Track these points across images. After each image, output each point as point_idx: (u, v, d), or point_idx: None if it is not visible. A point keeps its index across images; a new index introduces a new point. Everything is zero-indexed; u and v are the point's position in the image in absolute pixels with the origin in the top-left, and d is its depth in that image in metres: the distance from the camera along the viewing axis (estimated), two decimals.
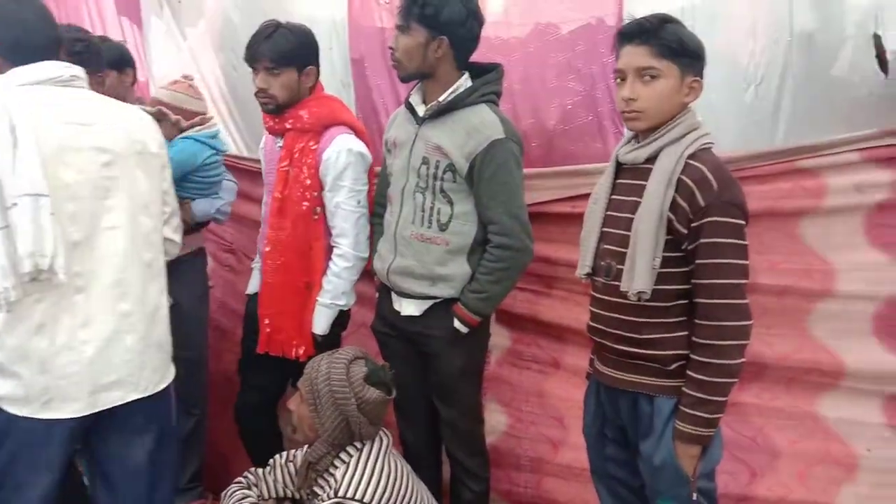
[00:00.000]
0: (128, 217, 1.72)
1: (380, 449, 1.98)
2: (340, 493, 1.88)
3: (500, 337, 2.42)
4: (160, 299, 1.82)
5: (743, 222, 1.59)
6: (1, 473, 1.64)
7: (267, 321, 2.28)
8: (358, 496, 1.87)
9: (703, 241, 1.57)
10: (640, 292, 1.60)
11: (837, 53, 1.95)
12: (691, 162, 1.59)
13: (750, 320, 1.59)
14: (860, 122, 1.90)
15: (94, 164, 1.67)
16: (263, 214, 2.39)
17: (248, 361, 2.42)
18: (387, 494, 1.90)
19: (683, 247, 1.60)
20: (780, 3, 1.99)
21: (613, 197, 1.73)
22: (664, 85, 1.61)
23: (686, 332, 1.62)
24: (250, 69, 2.23)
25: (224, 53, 2.98)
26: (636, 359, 1.67)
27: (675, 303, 1.63)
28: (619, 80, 1.66)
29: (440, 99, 2.02)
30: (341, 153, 2.18)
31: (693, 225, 1.57)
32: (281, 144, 2.27)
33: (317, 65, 2.26)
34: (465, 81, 2.04)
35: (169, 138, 2.40)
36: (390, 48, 2.07)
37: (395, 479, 1.94)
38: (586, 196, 1.84)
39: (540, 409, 2.41)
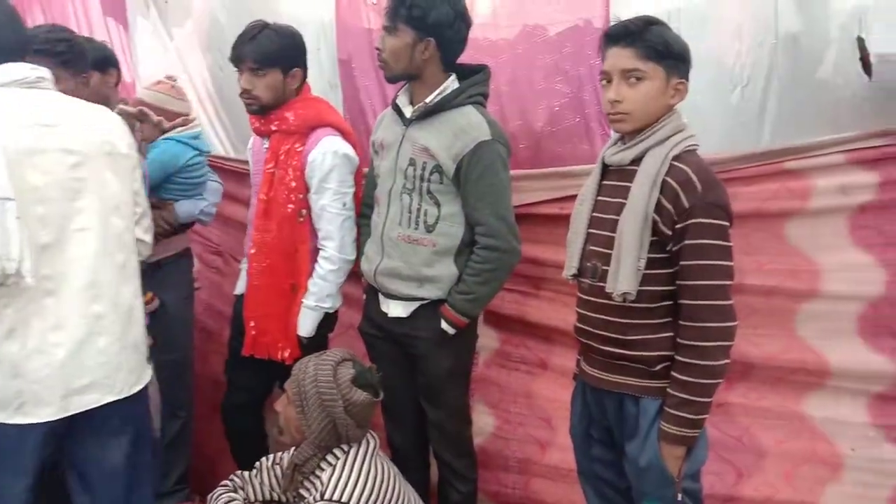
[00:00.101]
0: (99, 218, 1.70)
1: (367, 451, 1.97)
2: (327, 496, 1.87)
3: (487, 338, 2.42)
4: (135, 301, 1.81)
5: (727, 224, 1.59)
6: None
7: (252, 323, 2.27)
8: (344, 499, 1.86)
9: (687, 242, 1.57)
10: (624, 293, 1.60)
11: (822, 56, 1.96)
12: (676, 164, 1.60)
13: (734, 321, 1.59)
14: (845, 124, 1.92)
15: (61, 165, 1.65)
16: (249, 216, 2.38)
17: (235, 362, 2.42)
18: (373, 497, 1.90)
19: (668, 248, 1.60)
20: (765, 6, 2.00)
21: (599, 198, 1.73)
22: (649, 87, 1.61)
23: (671, 334, 1.63)
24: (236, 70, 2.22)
25: (211, 54, 2.97)
26: (621, 360, 1.67)
27: (659, 304, 1.63)
28: (604, 82, 1.67)
29: (427, 100, 2.02)
30: (326, 155, 2.16)
31: (677, 226, 1.57)
32: (268, 146, 2.26)
33: (303, 67, 2.25)
34: (451, 83, 2.04)
35: (151, 139, 2.39)
36: (377, 49, 2.07)
37: (382, 482, 1.94)
38: (573, 197, 1.84)
39: (528, 410, 2.41)
